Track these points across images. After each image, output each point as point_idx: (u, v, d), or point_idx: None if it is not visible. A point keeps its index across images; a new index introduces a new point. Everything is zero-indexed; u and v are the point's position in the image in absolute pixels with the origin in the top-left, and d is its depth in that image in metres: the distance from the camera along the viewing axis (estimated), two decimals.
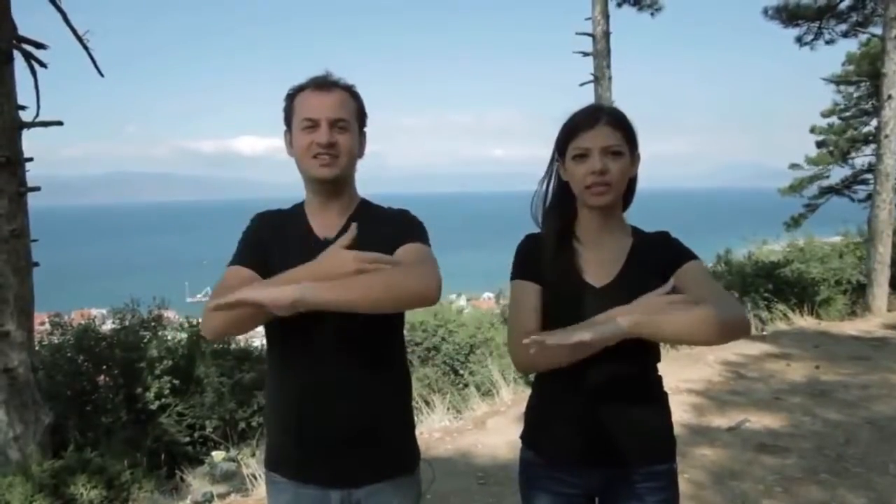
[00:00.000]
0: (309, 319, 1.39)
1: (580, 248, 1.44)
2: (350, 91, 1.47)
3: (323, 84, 1.44)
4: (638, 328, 1.22)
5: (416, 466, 1.54)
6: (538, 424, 1.50)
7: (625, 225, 1.47)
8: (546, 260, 1.43)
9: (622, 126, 1.38)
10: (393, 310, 1.30)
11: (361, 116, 1.49)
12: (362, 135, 1.50)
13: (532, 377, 1.58)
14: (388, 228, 1.46)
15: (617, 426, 1.40)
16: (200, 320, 1.36)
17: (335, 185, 1.45)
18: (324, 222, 1.47)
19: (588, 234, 1.44)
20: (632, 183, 1.45)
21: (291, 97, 1.46)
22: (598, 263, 1.42)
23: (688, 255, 1.40)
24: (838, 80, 15.32)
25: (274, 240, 1.47)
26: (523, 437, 1.54)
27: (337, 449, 1.42)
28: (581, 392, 1.41)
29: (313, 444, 1.43)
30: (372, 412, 1.44)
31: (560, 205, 1.47)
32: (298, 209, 1.52)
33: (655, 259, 1.41)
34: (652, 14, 11.58)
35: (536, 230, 1.52)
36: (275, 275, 1.44)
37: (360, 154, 1.50)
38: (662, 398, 1.48)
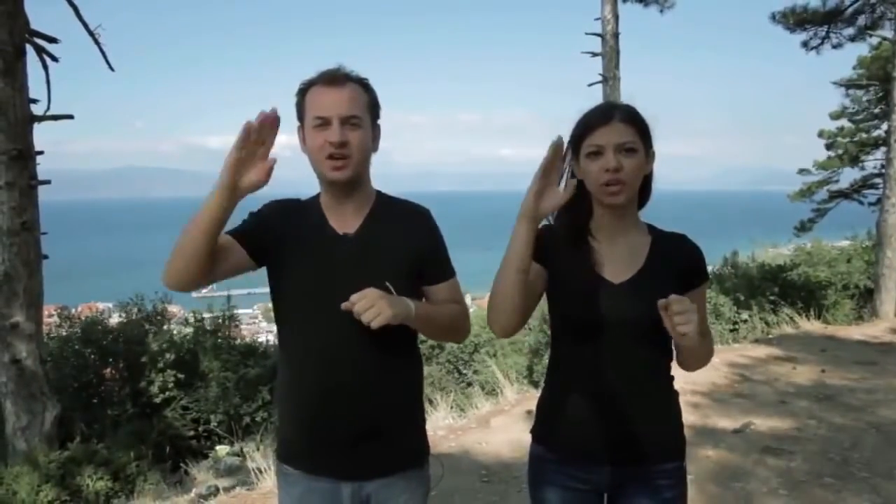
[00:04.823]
0: (325, 313, 1.40)
1: (596, 245, 1.43)
2: (362, 84, 1.43)
3: (334, 79, 1.40)
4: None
5: (426, 461, 1.55)
6: (550, 420, 1.49)
7: (640, 223, 1.47)
8: (560, 254, 1.43)
9: (636, 123, 1.37)
10: (442, 339, 1.49)
11: (374, 109, 1.46)
12: (376, 128, 1.47)
13: (544, 372, 1.58)
14: (409, 227, 1.48)
15: (631, 424, 1.40)
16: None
17: (349, 185, 1.43)
18: (341, 218, 1.46)
19: (603, 232, 1.44)
20: (647, 180, 1.44)
21: (302, 92, 1.43)
22: (615, 260, 1.41)
23: (705, 276, 1.47)
24: (848, 84, 15.22)
25: (286, 227, 1.46)
26: (534, 431, 1.54)
27: (349, 443, 1.43)
28: (595, 389, 1.41)
29: (326, 439, 1.43)
30: (385, 407, 1.44)
31: (575, 203, 1.46)
32: (314, 202, 1.50)
33: (676, 261, 1.42)
34: (661, 10, 11.39)
35: None
36: (287, 268, 1.45)
37: (375, 148, 1.47)
38: (674, 396, 1.48)
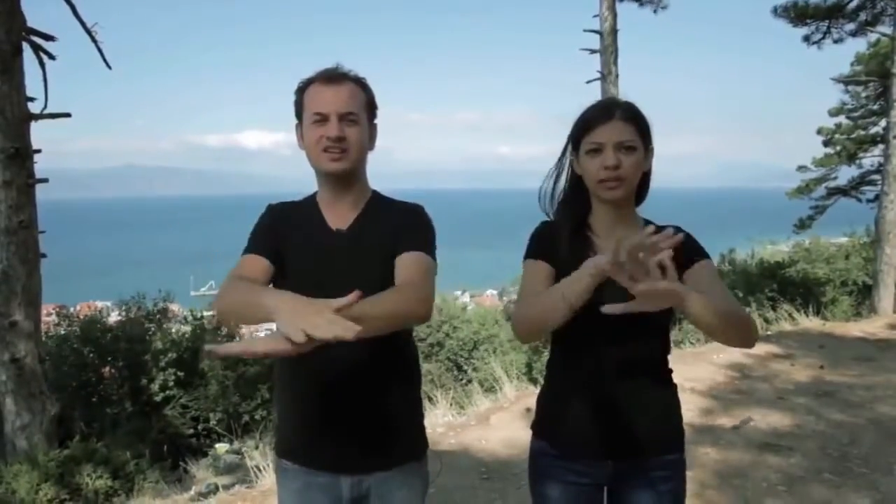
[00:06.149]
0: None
1: (595, 240, 1.45)
2: (360, 83, 1.46)
3: (332, 77, 1.43)
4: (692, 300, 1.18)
5: (425, 454, 1.56)
6: (551, 415, 1.50)
7: (638, 218, 1.48)
8: (561, 249, 1.44)
9: (636, 120, 1.38)
10: (388, 332, 1.30)
11: (371, 108, 1.48)
12: (373, 127, 1.50)
13: (544, 369, 1.58)
14: (402, 223, 1.46)
15: (631, 418, 1.40)
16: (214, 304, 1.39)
17: (346, 179, 1.46)
18: (336, 214, 1.48)
19: (602, 227, 1.45)
20: (646, 177, 1.45)
21: (301, 90, 1.46)
22: None
23: (701, 253, 1.42)
24: (847, 80, 15.22)
25: (287, 229, 1.48)
26: (534, 427, 1.54)
27: (348, 437, 1.44)
28: (596, 384, 1.42)
29: (325, 433, 1.44)
30: (383, 401, 1.45)
31: (574, 198, 1.48)
32: (311, 201, 1.53)
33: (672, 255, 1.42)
34: (655, 11, 11.46)
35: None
36: (289, 264, 1.45)
37: (371, 146, 1.50)
38: (673, 388, 1.49)
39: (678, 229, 1.48)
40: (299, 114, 1.47)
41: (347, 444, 1.44)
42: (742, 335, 1.27)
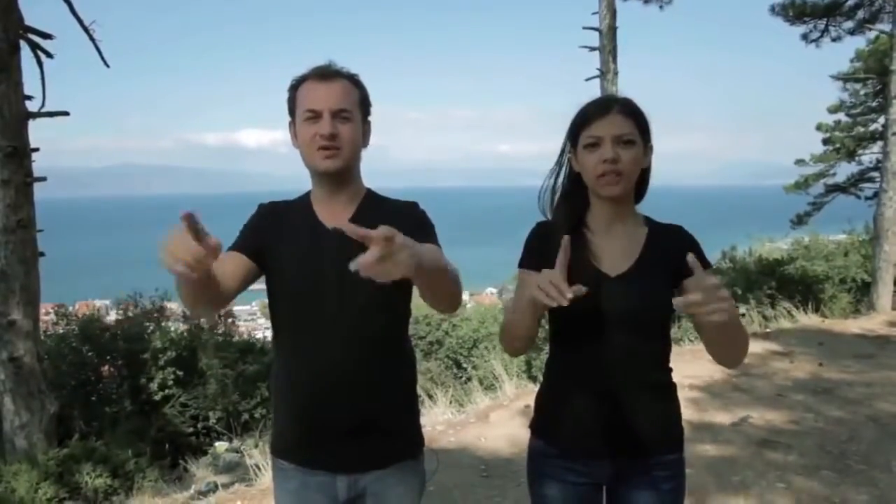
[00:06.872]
0: (317, 307, 1.41)
1: (592, 238, 1.43)
2: (353, 80, 1.45)
3: (325, 74, 1.42)
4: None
5: (421, 452, 1.56)
6: (550, 414, 1.49)
7: (637, 215, 1.47)
8: (556, 249, 1.43)
9: (634, 115, 1.37)
10: (445, 300, 1.33)
11: (365, 105, 1.48)
12: (366, 124, 1.49)
13: (543, 367, 1.58)
14: (398, 222, 1.46)
15: (630, 416, 1.39)
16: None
17: (339, 177, 1.46)
18: (331, 212, 1.47)
19: (600, 225, 1.44)
20: (645, 174, 1.44)
21: (294, 88, 1.45)
22: (612, 253, 1.41)
23: (705, 264, 1.39)
24: (846, 78, 15.21)
25: (277, 228, 1.48)
26: (533, 426, 1.54)
27: (344, 436, 1.43)
28: (594, 382, 1.41)
29: (321, 431, 1.44)
30: (378, 399, 1.45)
31: (572, 195, 1.47)
32: (304, 199, 1.53)
33: (672, 253, 1.40)
34: (661, 6, 11.38)
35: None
36: (279, 264, 1.45)
37: (365, 144, 1.49)
38: (673, 388, 1.48)
39: (681, 228, 1.48)
40: (292, 111, 1.46)
41: (344, 444, 1.43)
42: (741, 352, 1.35)
